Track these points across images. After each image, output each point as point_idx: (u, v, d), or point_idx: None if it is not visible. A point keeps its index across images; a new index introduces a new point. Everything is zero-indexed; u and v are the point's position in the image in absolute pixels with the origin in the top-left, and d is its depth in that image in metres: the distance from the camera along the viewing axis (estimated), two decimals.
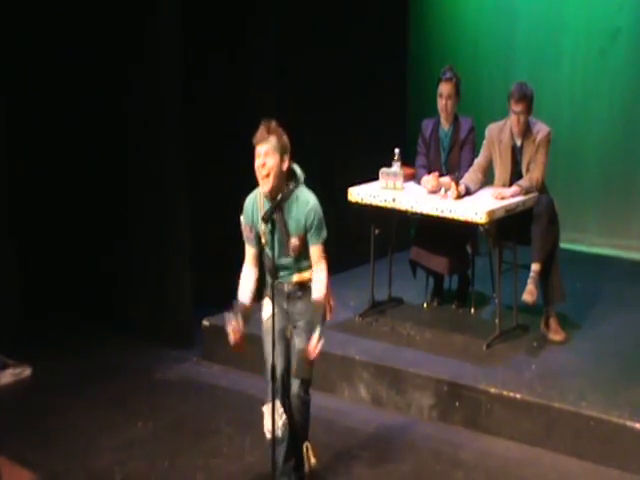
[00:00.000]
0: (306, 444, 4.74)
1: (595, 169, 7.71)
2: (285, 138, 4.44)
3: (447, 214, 5.79)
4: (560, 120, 7.48)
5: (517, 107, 5.88)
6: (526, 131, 5.97)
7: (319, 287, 4.52)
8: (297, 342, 4.59)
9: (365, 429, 5.41)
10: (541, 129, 5.96)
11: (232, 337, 4.48)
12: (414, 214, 6.06)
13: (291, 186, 4.46)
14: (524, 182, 5.94)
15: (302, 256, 4.54)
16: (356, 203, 6.15)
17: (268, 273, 4.59)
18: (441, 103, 6.21)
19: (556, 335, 5.93)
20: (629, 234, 7.60)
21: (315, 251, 4.52)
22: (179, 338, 6.43)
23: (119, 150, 6.58)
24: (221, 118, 6.72)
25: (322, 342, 4.48)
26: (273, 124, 4.43)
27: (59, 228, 6.78)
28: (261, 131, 4.41)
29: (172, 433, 5.36)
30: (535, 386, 5.36)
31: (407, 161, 6.32)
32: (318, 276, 4.53)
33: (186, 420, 5.51)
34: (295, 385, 4.63)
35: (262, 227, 4.49)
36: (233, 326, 4.48)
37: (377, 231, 6.22)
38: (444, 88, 6.17)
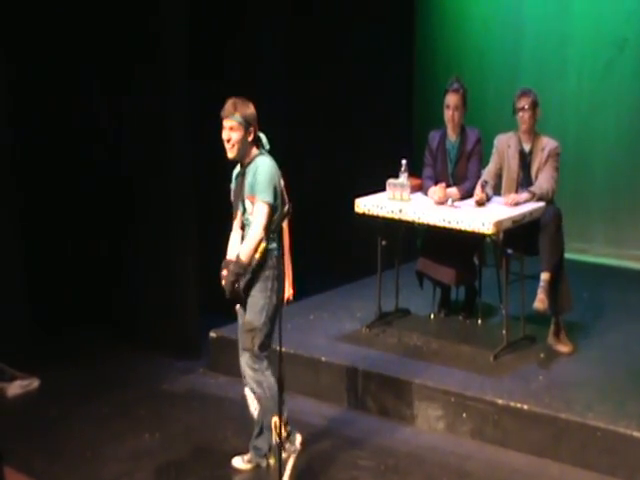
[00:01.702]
0: (275, 419, 4.72)
1: (601, 180, 7.71)
2: (251, 111, 4.72)
3: (454, 225, 5.79)
4: (567, 131, 7.49)
5: (520, 103, 5.92)
6: (534, 138, 5.99)
7: (245, 245, 4.69)
8: (243, 322, 4.84)
9: (371, 440, 5.40)
10: (550, 141, 6.01)
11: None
12: (421, 225, 6.07)
13: (256, 153, 4.75)
14: (536, 189, 5.95)
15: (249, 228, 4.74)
16: (363, 214, 6.15)
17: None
18: (448, 114, 6.22)
19: (564, 347, 5.93)
20: (635, 244, 7.58)
21: (255, 208, 4.69)
22: (186, 349, 6.43)
23: (126, 160, 6.60)
24: None
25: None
26: (240, 100, 4.72)
27: (65, 239, 6.78)
28: (228, 106, 4.71)
29: (179, 444, 5.35)
30: (542, 397, 5.35)
31: (414, 172, 6.33)
32: (248, 233, 4.70)
33: (192, 431, 5.51)
34: (243, 357, 4.82)
35: (231, 185, 4.84)
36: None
37: (384, 242, 6.22)
38: (451, 99, 6.18)
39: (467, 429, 5.42)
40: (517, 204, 5.88)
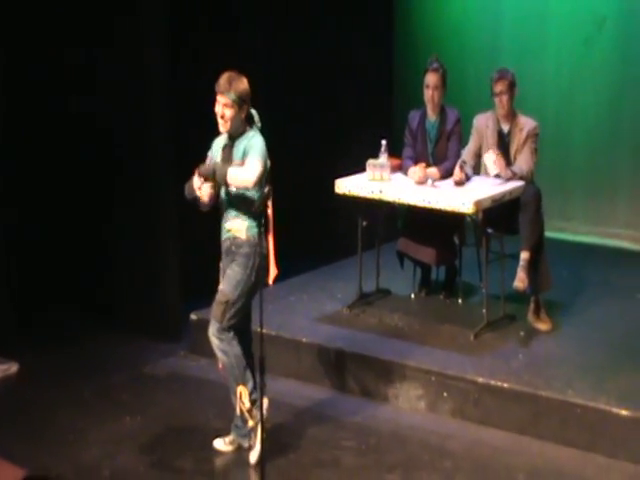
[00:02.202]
0: (239, 388, 4.83)
1: (581, 158, 7.73)
2: (244, 87, 4.73)
3: (434, 205, 5.80)
4: (546, 109, 7.51)
5: (497, 87, 5.94)
6: (512, 119, 6.01)
7: (238, 172, 4.65)
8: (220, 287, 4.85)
9: (353, 420, 5.42)
10: (529, 121, 6.03)
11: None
12: (401, 205, 6.07)
13: (247, 129, 4.78)
14: (517, 168, 5.95)
15: (243, 197, 4.73)
16: (343, 195, 6.15)
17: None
18: (427, 94, 6.21)
19: (544, 325, 5.96)
20: (615, 222, 7.62)
21: (248, 163, 4.67)
22: (167, 332, 6.42)
23: (108, 144, 6.55)
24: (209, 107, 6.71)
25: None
26: (235, 75, 4.72)
27: (46, 223, 6.74)
28: (223, 82, 4.70)
29: (160, 427, 5.35)
30: (522, 375, 5.38)
31: (394, 152, 6.32)
32: (243, 174, 4.66)
33: (174, 414, 5.51)
34: (211, 327, 4.85)
35: (217, 159, 4.83)
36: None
37: (364, 223, 6.22)
38: (430, 79, 6.17)
39: (448, 408, 5.45)
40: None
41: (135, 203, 6.51)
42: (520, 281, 5.74)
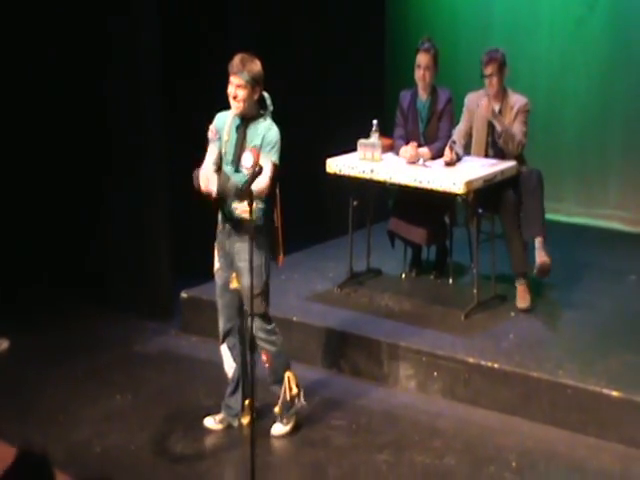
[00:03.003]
0: (287, 374, 4.96)
1: (572, 139, 7.72)
2: (258, 69, 4.69)
3: (425, 185, 5.78)
4: (537, 90, 7.48)
5: (487, 70, 5.94)
6: (503, 97, 6.00)
7: (257, 183, 4.54)
8: (243, 281, 4.76)
9: (344, 400, 5.42)
10: (519, 98, 6.01)
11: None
12: (392, 185, 6.06)
13: (261, 112, 4.77)
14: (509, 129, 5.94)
15: (253, 179, 4.62)
16: (334, 174, 6.13)
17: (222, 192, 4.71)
18: (419, 74, 6.19)
19: (522, 302, 5.94)
20: (606, 203, 7.63)
21: (264, 165, 4.60)
22: (157, 310, 6.41)
23: (101, 126, 6.51)
24: (201, 92, 6.68)
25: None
26: (248, 56, 4.68)
27: (32, 197, 6.70)
28: (237, 63, 4.66)
29: (151, 405, 5.35)
30: (513, 355, 5.39)
31: (385, 132, 6.30)
32: (258, 180, 4.55)
33: (165, 392, 5.51)
34: (255, 322, 4.73)
35: (225, 137, 4.77)
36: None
37: (355, 202, 6.21)
38: (422, 59, 6.15)
39: (438, 388, 5.46)
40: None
41: (127, 182, 6.47)
42: (542, 258, 5.75)
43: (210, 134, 4.84)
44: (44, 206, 6.73)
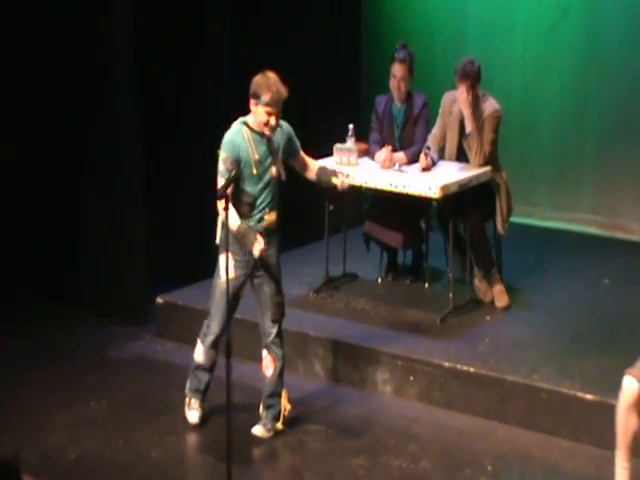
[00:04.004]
0: (284, 390, 5.03)
1: (547, 144, 7.76)
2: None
3: (401, 189, 5.80)
4: (512, 95, 7.52)
5: (460, 85, 5.93)
6: (477, 102, 5.98)
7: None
8: (267, 290, 4.91)
9: (320, 404, 5.42)
10: (490, 105, 5.99)
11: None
12: (368, 189, 6.06)
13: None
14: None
15: (277, 188, 4.89)
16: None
17: (243, 210, 4.80)
18: (394, 84, 6.20)
19: (500, 302, 6.02)
20: (580, 208, 7.66)
21: (303, 154, 5.03)
22: (133, 315, 6.38)
23: (73, 121, 6.47)
24: (177, 94, 6.67)
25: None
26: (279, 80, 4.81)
27: (6, 201, 6.64)
28: (279, 91, 4.77)
29: (126, 411, 5.33)
30: (488, 359, 5.41)
31: (361, 137, 6.31)
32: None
33: (140, 398, 5.49)
34: (275, 329, 4.94)
35: (255, 157, 4.79)
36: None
37: (331, 207, 6.21)
38: (397, 70, 6.15)
39: (414, 392, 5.47)
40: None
41: (102, 186, 6.45)
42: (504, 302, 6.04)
43: (226, 165, 4.75)
44: (18, 210, 6.68)
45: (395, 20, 8.14)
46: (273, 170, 4.86)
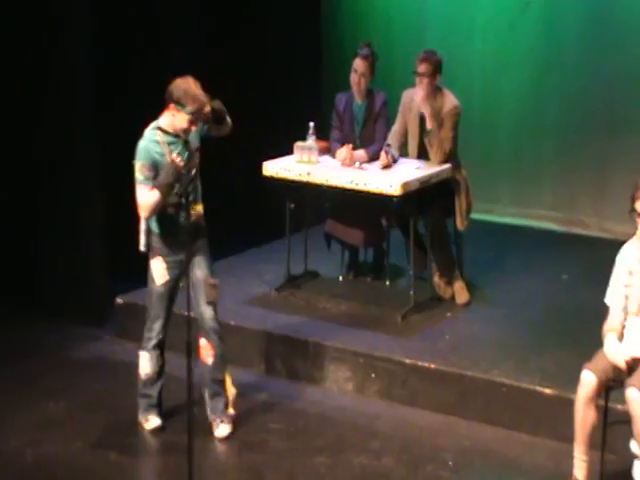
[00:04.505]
0: (227, 374, 5.03)
1: (506, 141, 7.81)
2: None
3: (362, 187, 5.81)
4: (472, 92, 7.56)
5: (419, 68, 5.95)
6: (436, 98, 5.99)
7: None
8: (200, 274, 4.89)
9: (281, 403, 5.41)
10: (449, 101, 6.01)
11: None
12: (329, 187, 6.06)
13: None
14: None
15: (198, 182, 4.89)
16: (271, 177, 6.12)
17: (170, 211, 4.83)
18: (354, 78, 6.21)
19: (460, 298, 6.07)
20: (539, 204, 7.72)
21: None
22: (92, 316, 6.32)
23: (30, 118, 6.40)
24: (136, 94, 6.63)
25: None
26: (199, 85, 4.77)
27: None
28: (204, 102, 4.76)
29: (86, 412, 5.28)
30: (449, 356, 5.43)
31: (322, 135, 6.31)
32: None
33: (101, 399, 5.44)
34: (210, 310, 4.91)
35: (173, 157, 4.73)
36: None
37: (292, 205, 6.21)
38: (359, 65, 6.17)
39: (376, 389, 5.48)
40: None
41: (60, 186, 6.38)
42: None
43: (144, 172, 4.77)
44: None
45: (355, 18, 8.15)
46: (192, 168, 4.83)
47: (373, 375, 5.48)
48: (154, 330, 5.01)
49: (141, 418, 5.10)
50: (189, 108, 4.70)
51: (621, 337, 4.42)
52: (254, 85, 7.41)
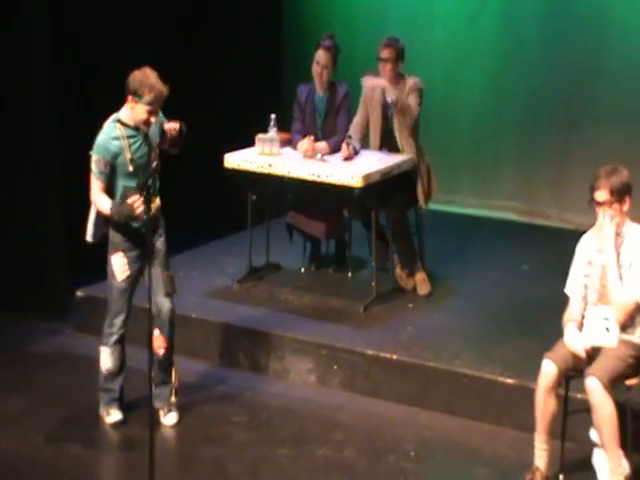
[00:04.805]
0: (174, 367, 5.09)
1: (467, 132, 7.85)
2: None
3: (324, 179, 5.81)
4: (433, 84, 7.51)
5: (383, 53, 5.96)
6: (398, 83, 6.00)
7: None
8: (158, 266, 4.92)
9: (243, 395, 5.41)
10: (411, 79, 6.00)
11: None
12: (291, 179, 6.06)
13: None
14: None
15: (157, 176, 4.85)
16: (232, 169, 6.10)
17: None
18: (316, 70, 6.20)
19: (422, 289, 6.10)
20: (499, 194, 7.78)
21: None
22: (52, 309, 6.27)
23: None
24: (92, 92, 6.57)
25: None
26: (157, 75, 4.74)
27: None
28: (161, 90, 4.71)
29: (47, 407, 5.24)
30: (411, 347, 5.45)
31: (283, 127, 6.29)
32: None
33: (62, 393, 5.40)
34: (167, 302, 4.93)
35: (128, 155, 4.76)
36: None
37: (254, 197, 6.19)
38: (321, 56, 6.16)
39: (338, 381, 5.49)
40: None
41: (16, 175, 6.30)
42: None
43: (100, 167, 4.78)
44: None
45: (317, 10, 8.14)
46: (152, 161, 4.81)
47: (335, 367, 5.49)
48: (115, 325, 4.99)
49: (102, 412, 5.06)
50: (146, 98, 4.67)
51: (581, 327, 4.47)
52: (215, 77, 7.38)
